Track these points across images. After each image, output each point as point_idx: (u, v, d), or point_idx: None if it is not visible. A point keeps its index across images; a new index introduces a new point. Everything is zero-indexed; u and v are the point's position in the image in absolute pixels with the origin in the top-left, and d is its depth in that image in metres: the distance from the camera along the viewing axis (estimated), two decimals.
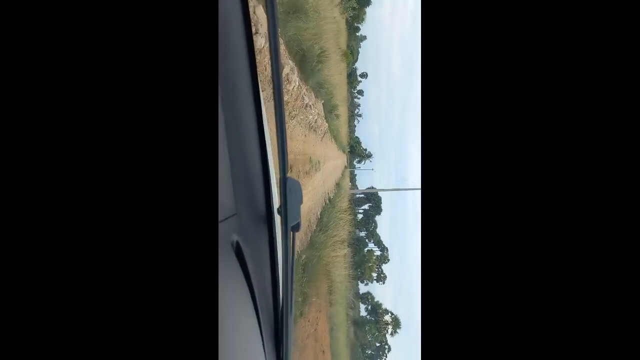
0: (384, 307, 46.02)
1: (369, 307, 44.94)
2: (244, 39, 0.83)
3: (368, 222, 51.95)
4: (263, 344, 0.94)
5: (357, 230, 48.12)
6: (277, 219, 1.01)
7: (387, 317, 45.73)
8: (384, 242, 53.73)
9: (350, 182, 51.83)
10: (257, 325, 0.92)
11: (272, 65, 0.73)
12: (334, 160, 22.03)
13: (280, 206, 0.91)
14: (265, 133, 0.98)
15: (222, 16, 0.73)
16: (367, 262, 46.76)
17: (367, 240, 51.08)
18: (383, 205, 54.73)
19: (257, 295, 0.92)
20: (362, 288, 50.83)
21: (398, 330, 45.03)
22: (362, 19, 54.29)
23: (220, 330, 0.63)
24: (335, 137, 20.98)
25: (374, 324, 42.66)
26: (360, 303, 45.91)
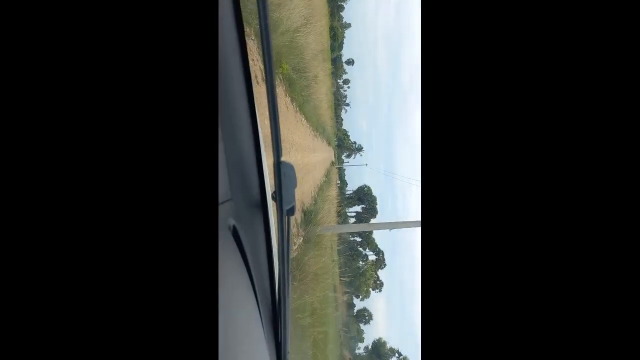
0: (388, 345, 38.47)
1: (370, 347, 37.52)
2: (233, 21, 0.85)
3: None
4: (262, 325, 0.99)
5: (350, 236, 41.21)
6: (271, 203, 1.02)
7: None
8: (378, 246, 46.83)
9: (339, 180, 44.66)
10: (256, 306, 0.96)
11: (262, 49, 0.73)
12: (313, 153, 14.44)
13: (274, 191, 0.93)
14: (258, 122, 0.98)
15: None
16: (362, 275, 39.52)
17: (361, 248, 43.94)
18: (379, 206, 47.63)
19: (254, 278, 0.97)
20: (358, 304, 43.92)
21: None
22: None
23: (222, 312, 0.70)
24: (309, 117, 13.10)
25: None
26: (356, 323, 38.84)
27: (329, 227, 11.27)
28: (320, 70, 14.21)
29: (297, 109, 10.38)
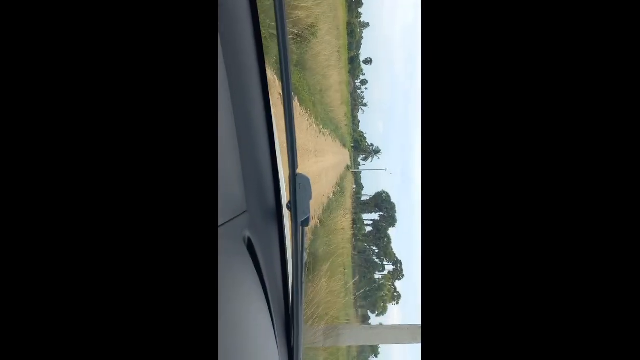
0: None
1: None
2: (252, 38, 0.86)
3: (379, 237, 41.32)
4: (275, 335, 1.00)
5: (365, 245, 37.90)
6: (287, 214, 1.04)
7: None
8: (396, 255, 43.36)
9: (354, 185, 41.40)
10: (269, 316, 0.99)
11: (280, 62, 0.75)
12: (315, 158, 10.94)
13: (289, 201, 0.94)
14: (274, 129, 0.99)
15: (229, 16, 0.78)
16: (379, 289, 36.06)
17: (377, 259, 40.58)
18: (397, 214, 44.11)
19: (268, 288, 0.99)
20: (373, 319, 40.58)
21: None
22: None
23: (234, 322, 0.73)
24: (306, 101, 9.15)
25: None
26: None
27: (344, 330, 5.54)
28: (326, 28, 9.46)
29: (276, 77, 6.56)
